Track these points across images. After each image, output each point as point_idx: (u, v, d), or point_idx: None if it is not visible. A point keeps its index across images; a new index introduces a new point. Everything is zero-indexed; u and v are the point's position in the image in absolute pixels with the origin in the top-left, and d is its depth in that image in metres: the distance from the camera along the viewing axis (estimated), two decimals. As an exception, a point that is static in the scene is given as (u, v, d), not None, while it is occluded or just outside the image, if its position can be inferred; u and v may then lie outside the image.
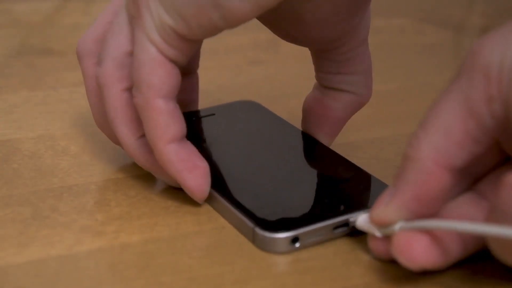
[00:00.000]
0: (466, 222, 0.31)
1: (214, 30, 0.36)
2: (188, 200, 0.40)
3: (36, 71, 0.58)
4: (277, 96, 0.53)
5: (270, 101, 0.52)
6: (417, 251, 0.32)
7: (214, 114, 0.47)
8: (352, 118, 0.46)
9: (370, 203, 0.37)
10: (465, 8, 0.73)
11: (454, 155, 0.32)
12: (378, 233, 0.35)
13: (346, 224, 0.37)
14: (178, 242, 0.37)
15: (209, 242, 0.37)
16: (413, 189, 0.32)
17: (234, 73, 0.57)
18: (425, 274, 0.34)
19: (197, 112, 0.47)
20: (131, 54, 0.38)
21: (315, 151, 0.43)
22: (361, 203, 0.38)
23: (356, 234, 0.37)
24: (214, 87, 0.55)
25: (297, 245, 0.36)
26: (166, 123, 0.37)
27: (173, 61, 0.37)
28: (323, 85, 0.43)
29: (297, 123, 0.49)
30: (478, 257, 0.36)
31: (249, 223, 0.36)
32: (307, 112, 0.44)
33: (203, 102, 0.52)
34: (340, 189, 0.39)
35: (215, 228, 0.38)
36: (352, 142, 0.47)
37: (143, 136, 0.39)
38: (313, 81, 0.45)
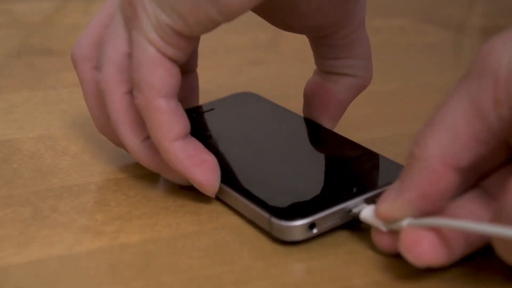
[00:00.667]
0: (473, 222, 0.31)
1: (211, 25, 0.36)
2: (189, 200, 0.40)
3: (36, 71, 0.58)
4: (277, 96, 0.53)
5: (270, 101, 0.52)
6: (425, 249, 0.32)
7: (213, 109, 0.47)
8: (352, 118, 0.46)
9: (380, 182, 0.38)
10: (465, 8, 0.73)
11: (460, 155, 0.32)
12: (383, 228, 0.35)
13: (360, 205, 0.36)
14: (178, 242, 0.37)
15: (209, 242, 0.37)
16: (418, 187, 0.32)
17: (234, 73, 0.57)
18: (425, 273, 0.34)
19: (196, 108, 0.47)
20: (129, 56, 0.38)
21: (320, 135, 0.43)
22: (373, 183, 0.38)
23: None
24: (214, 87, 0.55)
25: (315, 231, 0.36)
26: (169, 122, 0.37)
27: (172, 60, 0.37)
28: (323, 70, 0.43)
29: (297, 123, 0.49)
30: (479, 256, 0.36)
31: (264, 213, 0.36)
32: (309, 97, 0.44)
33: (203, 102, 0.52)
34: (351, 170, 0.39)
35: (215, 228, 0.38)
36: (352, 142, 0.47)
37: (147, 138, 0.39)
38: (314, 69, 0.45)
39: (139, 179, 0.42)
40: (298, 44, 0.62)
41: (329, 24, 0.40)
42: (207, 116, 0.46)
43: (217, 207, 0.40)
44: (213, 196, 0.39)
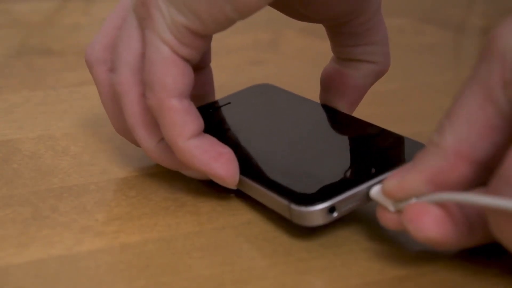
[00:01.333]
0: (478, 194, 0.31)
1: (227, 23, 0.36)
2: (188, 201, 0.40)
3: (36, 71, 0.58)
4: (277, 96, 0.53)
5: (270, 101, 0.52)
6: (427, 221, 0.32)
7: (230, 103, 0.47)
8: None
9: (399, 162, 0.37)
10: (465, 8, 0.73)
11: (476, 146, 0.32)
12: (391, 207, 0.34)
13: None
14: (178, 242, 0.37)
15: (209, 242, 0.37)
16: (430, 172, 0.33)
17: (234, 73, 0.57)
18: (425, 273, 0.34)
19: (213, 104, 0.47)
20: (144, 56, 0.38)
21: (337, 119, 0.43)
22: (392, 163, 0.37)
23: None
24: (215, 87, 0.55)
25: (335, 214, 0.35)
26: (183, 122, 0.37)
27: (186, 60, 0.37)
28: (341, 57, 0.44)
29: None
30: (479, 255, 0.36)
31: (283, 200, 0.36)
32: (326, 83, 0.44)
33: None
34: (368, 152, 0.39)
35: (215, 228, 0.38)
36: (352, 142, 0.47)
37: (163, 138, 0.39)
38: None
39: (139, 179, 0.42)
40: (298, 44, 0.62)
41: (345, 13, 0.40)
42: (224, 110, 0.46)
43: (217, 207, 0.40)
44: (235, 187, 0.39)
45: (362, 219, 0.38)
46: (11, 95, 0.53)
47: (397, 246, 0.37)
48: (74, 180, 0.42)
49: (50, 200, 0.40)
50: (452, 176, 0.32)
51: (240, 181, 0.39)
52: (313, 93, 0.54)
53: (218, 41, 0.64)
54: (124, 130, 0.41)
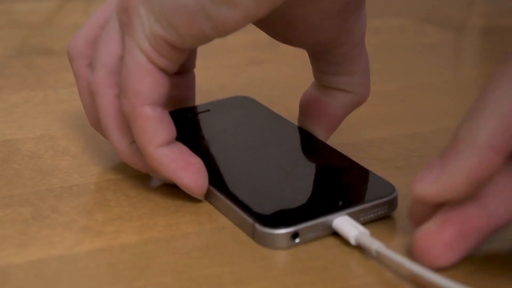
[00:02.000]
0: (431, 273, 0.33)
1: (204, 39, 0.36)
2: (189, 201, 0.40)
3: (36, 71, 0.58)
4: (277, 96, 0.53)
5: (270, 101, 0.52)
6: (434, 255, 0.33)
7: (209, 110, 0.47)
8: (352, 118, 0.46)
9: (367, 197, 0.38)
10: (465, 8, 0.73)
11: (509, 141, 0.32)
12: (352, 240, 0.36)
13: None
14: (178, 242, 0.37)
15: (209, 242, 0.37)
16: (468, 169, 0.32)
17: (234, 73, 0.57)
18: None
19: (192, 108, 0.47)
20: (122, 59, 0.38)
21: (312, 146, 0.43)
22: (359, 198, 0.38)
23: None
24: (214, 87, 0.55)
25: (297, 240, 0.36)
26: (154, 129, 0.37)
27: (162, 69, 0.37)
28: (321, 84, 0.44)
29: (297, 123, 0.49)
30: (480, 256, 0.36)
31: (248, 219, 0.37)
32: (304, 108, 0.45)
33: (203, 102, 0.52)
34: (338, 183, 0.39)
35: (215, 228, 0.38)
36: (352, 142, 0.47)
37: (135, 141, 0.39)
38: (312, 81, 0.45)
39: (139, 179, 0.42)
40: (298, 44, 0.62)
41: (327, 41, 0.40)
42: (202, 117, 0.46)
43: (217, 207, 0.40)
44: (202, 198, 0.39)
45: (362, 219, 0.38)
46: (11, 95, 0.53)
47: (397, 246, 0.37)
48: (74, 180, 0.42)
49: (50, 200, 0.40)
50: (489, 171, 0.32)
51: (208, 192, 0.39)
52: (313, 93, 0.54)
53: (218, 41, 0.64)
54: (98, 126, 0.41)
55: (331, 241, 0.37)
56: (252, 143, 0.43)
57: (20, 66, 0.59)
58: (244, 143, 0.43)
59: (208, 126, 0.45)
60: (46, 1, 0.74)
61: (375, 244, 0.35)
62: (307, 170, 0.41)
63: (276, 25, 0.40)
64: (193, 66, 0.47)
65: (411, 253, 0.35)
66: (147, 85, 0.37)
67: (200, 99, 0.53)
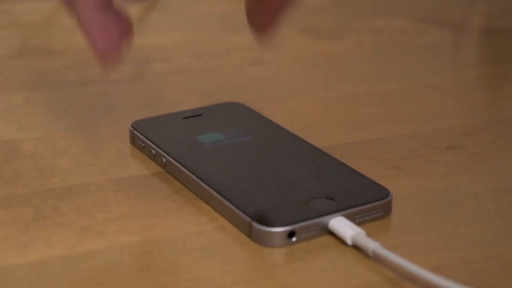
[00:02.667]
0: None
1: None
2: (189, 201, 0.40)
3: (36, 71, 0.58)
4: (277, 96, 0.53)
5: (270, 102, 0.52)
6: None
7: (201, 114, 0.48)
8: (352, 118, 0.46)
9: (362, 200, 0.38)
10: (465, 8, 0.73)
11: None
12: (349, 240, 0.36)
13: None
14: (178, 242, 0.37)
15: (209, 242, 0.37)
16: None
17: (234, 73, 0.57)
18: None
19: (185, 112, 0.48)
20: None
21: (307, 150, 0.43)
22: (354, 200, 0.38)
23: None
24: (214, 87, 0.55)
25: (294, 239, 0.36)
26: None
27: None
28: None
29: (296, 123, 0.49)
30: (481, 256, 0.36)
31: (245, 217, 0.37)
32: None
33: (203, 102, 0.52)
34: (334, 186, 0.40)
35: (215, 228, 0.38)
36: (352, 142, 0.47)
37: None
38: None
39: (139, 179, 0.42)
40: (298, 44, 0.62)
41: None
42: (195, 120, 0.47)
43: (217, 207, 0.40)
44: (109, 68, 0.38)
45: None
46: (12, 95, 0.54)
47: (393, 246, 0.37)
48: (74, 180, 0.42)
49: (51, 200, 0.40)
50: None
51: (203, 191, 0.40)
52: (313, 93, 0.54)
53: (218, 41, 0.64)
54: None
55: (329, 241, 0.37)
56: (247, 146, 0.44)
57: (20, 66, 0.59)
58: (240, 146, 0.44)
59: (204, 129, 0.46)
60: (46, 1, 0.74)
61: (371, 244, 0.35)
62: (304, 173, 0.41)
63: None
64: None
65: (408, 253, 0.35)
66: None
67: (200, 99, 0.53)
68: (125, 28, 0.38)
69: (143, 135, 0.45)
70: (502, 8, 0.73)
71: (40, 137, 0.47)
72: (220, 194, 0.39)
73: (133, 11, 0.71)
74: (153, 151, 0.44)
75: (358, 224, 0.38)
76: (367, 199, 0.38)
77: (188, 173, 0.41)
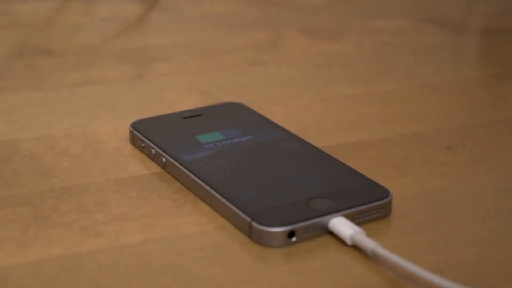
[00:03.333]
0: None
1: None
2: (188, 201, 0.40)
3: (37, 71, 0.58)
4: (277, 96, 0.53)
5: (270, 102, 0.52)
6: None
7: (201, 115, 0.48)
8: (352, 118, 0.46)
9: (362, 200, 0.38)
10: (465, 8, 0.73)
11: None
12: (349, 241, 0.36)
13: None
14: (178, 242, 0.37)
15: (209, 242, 0.37)
16: None
17: (234, 73, 0.57)
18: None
19: (185, 113, 0.48)
20: None
21: (305, 150, 0.43)
22: (354, 200, 0.38)
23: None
24: (214, 87, 0.55)
25: (294, 239, 0.36)
26: None
27: None
28: None
29: (296, 123, 0.49)
30: (481, 257, 0.36)
31: (246, 217, 0.37)
32: None
33: (203, 102, 0.52)
34: (335, 186, 0.40)
35: (215, 228, 0.38)
36: (352, 142, 0.47)
37: None
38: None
39: (139, 179, 0.42)
40: (298, 44, 0.62)
41: None
42: (194, 120, 0.47)
43: (217, 207, 0.40)
44: None
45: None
46: (12, 95, 0.54)
47: (393, 246, 0.37)
48: (74, 180, 0.42)
49: (51, 200, 0.40)
50: None
51: (203, 191, 0.40)
52: (313, 93, 0.54)
53: (218, 41, 0.64)
54: None
55: (329, 241, 0.37)
56: (247, 146, 0.44)
57: (20, 66, 0.59)
58: (240, 146, 0.44)
59: (203, 128, 0.46)
60: (46, 1, 0.74)
61: (371, 244, 0.35)
62: (304, 173, 0.41)
63: None
64: None
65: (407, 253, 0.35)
66: None
67: (200, 99, 0.53)
68: None
69: (143, 135, 0.45)
70: (502, 8, 0.73)
71: (40, 137, 0.47)
72: (220, 194, 0.39)
73: (133, 11, 0.71)
74: (153, 151, 0.44)
75: (358, 224, 0.38)
76: (367, 199, 0.38)
77: (188, 173, 0.41)
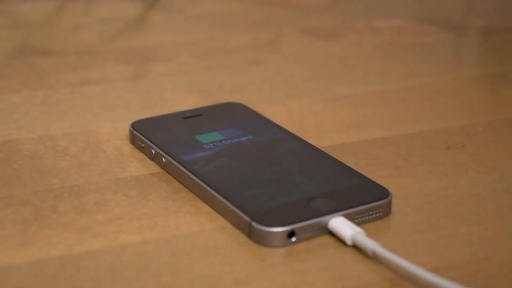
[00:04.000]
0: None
1: None
2: (188, 201, 0.40)
3: (37, 71, 0.58)
4: (277, 96, 0.53)
5: (269, 102, 0.52)
6: None
7: (201, 115, 0.48)
8: (352, 118, 0.46)
9: (361, 200, 0.38)
10: (465, 8, 0.73)
11: None
12: (349, 241, 0.36)
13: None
14: (178, 242, 0.37)
15: (209, 242, 0.37)
16: None
17: (234, 73, 0.57)
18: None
19: (185, 112, 0.48)
20: None
21: (305, 150, 0.43)
22: (354, 200, 0.38)
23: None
24: (214, 87, 0.55)
25: (293, 239, 0.36)
26: None
27: None
28: None
29: (296, 123, 0.49)
30: (481, 256, 0.36)
31: (245, 217, 0.37)
32: None
33: (203, 102, 0.52)
34: (334, 186, 0.40)
35: (215, 228, 0.38)
36: (352, 142, 0.47)
37: None
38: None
39: (139, 179, 0.42)
40: (298, 44, 0.62)
41: None
42: (194, 120, 0.47)
43: (217, 207, 0.40)
44: None
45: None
46: (12, 95, 0.54)
47: (393, 246, 0.37)
48: (74, 180, 0.42)
49: (50, 200, 0.40)
50: None
51: (203, 191, 0.40)
52: (313, 93, 0.54)
53: (218, 41, 0.64)
54: None
55: (329, 241, 0.37)
56: (247, 146, 0.44)
57: (20, 66, 0.59)
58: (240, 146, 0.44)
59: (203, 129, 0.46)
60: (46, 1, 0.74)
61: (371, 244, 0.35)
62: (303, 173, 0.41)
63: None
64: None
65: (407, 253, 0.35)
66: None
67: (200, 99, 0.53)
68: None
69: (143, 135, 0.45)
70: (502, 8, 0.73)
71: (40, 137, 0.47)
72: (220, 194, 0.39)
73: (133, 11, 0.71)
74: (153, 151, 0.44)
75: (358, 224, 0.38)
76: (367, 199, 0.38)
77: (188, 173, 0.41)
